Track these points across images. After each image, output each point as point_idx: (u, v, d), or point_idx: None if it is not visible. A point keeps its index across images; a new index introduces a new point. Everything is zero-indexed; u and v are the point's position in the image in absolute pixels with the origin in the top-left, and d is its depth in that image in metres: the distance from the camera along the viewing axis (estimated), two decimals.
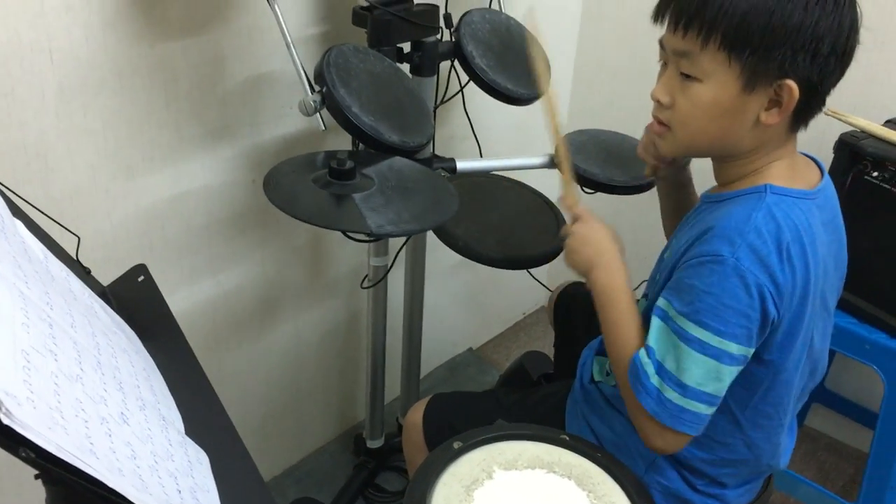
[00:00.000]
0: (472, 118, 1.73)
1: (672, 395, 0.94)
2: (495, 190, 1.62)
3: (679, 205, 1.25)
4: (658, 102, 1.01)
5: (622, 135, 1.64)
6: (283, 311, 1.70)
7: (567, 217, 1.18)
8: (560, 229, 1.44)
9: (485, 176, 1.62)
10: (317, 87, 1.22)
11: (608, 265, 1.07)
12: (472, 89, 1.54)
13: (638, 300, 1.13)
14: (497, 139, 1.91)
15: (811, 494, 1.78)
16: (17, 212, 0.82)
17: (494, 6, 1.63)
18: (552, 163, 1.56)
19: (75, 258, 0.91)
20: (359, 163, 1.18)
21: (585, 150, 1.57)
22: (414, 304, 1.76)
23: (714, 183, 1.08)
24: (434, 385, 2.17)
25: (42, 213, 0.89)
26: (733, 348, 0.92)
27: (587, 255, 1.09)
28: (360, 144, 1.28)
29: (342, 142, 1.46)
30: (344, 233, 1.20)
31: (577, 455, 0.98)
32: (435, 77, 1.52)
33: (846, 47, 0.92)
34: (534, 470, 0.95)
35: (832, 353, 1.87)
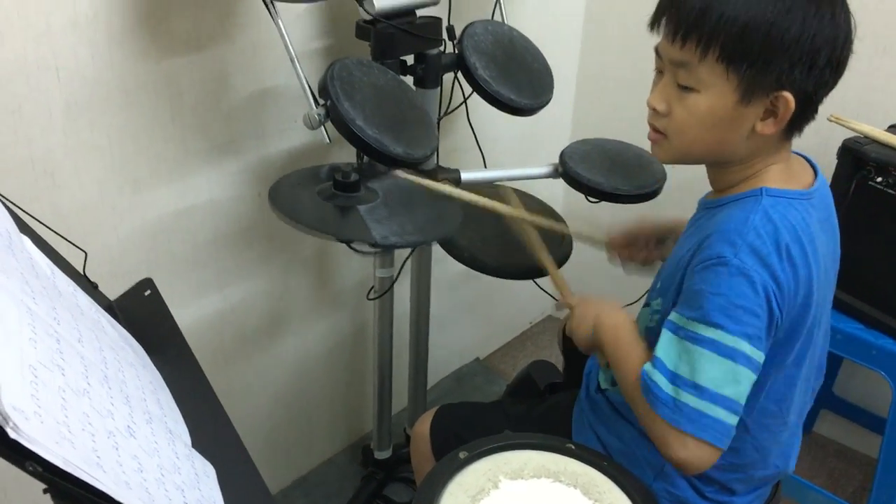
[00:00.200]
0: (476, 129, 1.74)
1: (689, 398, 0.92)
2: (499, 200, 1.62)
3: None
4: (654, 111, 1.01)
5: (626, 143, 1.65)
6: (290, 323, 1.71)
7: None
8: (564, 243, 1.45)
9: (489, 186, 1.63)
10: (321, 101, 1.23)
11: (611, 310, 1.10)
12: (476, 100, 1.54)
13: (642, 309, 1.14)
14: (501, 150, 1.92)
15: (821, 501, 1.77)
16: (24, 228, 0.82)
17: (497, 18, 1.64)
18: (556, 172, 1.56)
19: (82, 273, 0.92)
20: (363, 175, 1.19)
21: (589, 159, 1.57)
22: (420, 315, 1.77)
23: (709, 188, 1.09)
24: (441, 395, 2.18)
25: (49, 228, 0.90)
26: (747, 348, 0.92)
27: (591, 317, 1.11)
28: (365, 157, 1.29)
29: (347, 154, 1.47)
30: (349, 245, 1.21)
31: (582, 464, 0.98)
32: (438, 89, 1.53)
33: (841, 58, 0.93)
34: (539, 479, 0.95)
35: (840, 359, 1.88)
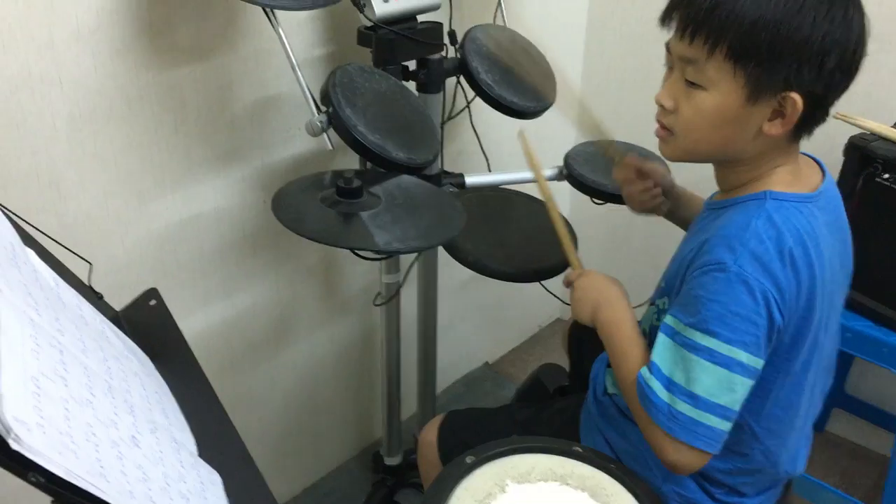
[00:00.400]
0: (480, 133, 1.74)
1: (683, 407, 0.93)
2: (505, 204, 1.62)
3: (686, 217, 1.26)
4: (661, 107, 1.01)
5: (630, 145, 1.64)
6: (298, 330, 1.71)
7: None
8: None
9: (494, 190, 1.63)
10: (323, 108, 1.23)
11: (610, 302, 1.10)
12: (479, 104, 1.55)
13: (648, 308, 1.14)
14: (505, 153, 1.91)
15: (834, 501, 1.76)
16: (28, 241, 0.83)
17: (498, 21, 1.65)
18: (561, 175, 1.56)
19: (88, 284, 0.92)
20: (366, 181, 1.19)
21: (594, 161, 1.57)
22: (428, 321, 1.77)
23: (716, 188, 1.09)
24: (451, 401, 2.17)
25: (54, 240, 0.90)
26: (743, 356, 0.91)
27: (591, 299, 1.12)
28: (368, 163, 1.29)
29: (351, 160, 1.47)
30: (353, 251, 1.21)
31: (590, 467, 0.97)
32: (441, 93, 1.53)
33: (853, 61, 0.92)
34: (547, 483, 0.94)
35: (851, 358, 1.87)
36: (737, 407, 0.93)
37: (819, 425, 2.05)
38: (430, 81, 1.48)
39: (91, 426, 0.60)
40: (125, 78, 1.22)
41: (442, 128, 1.57)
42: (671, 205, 1.32)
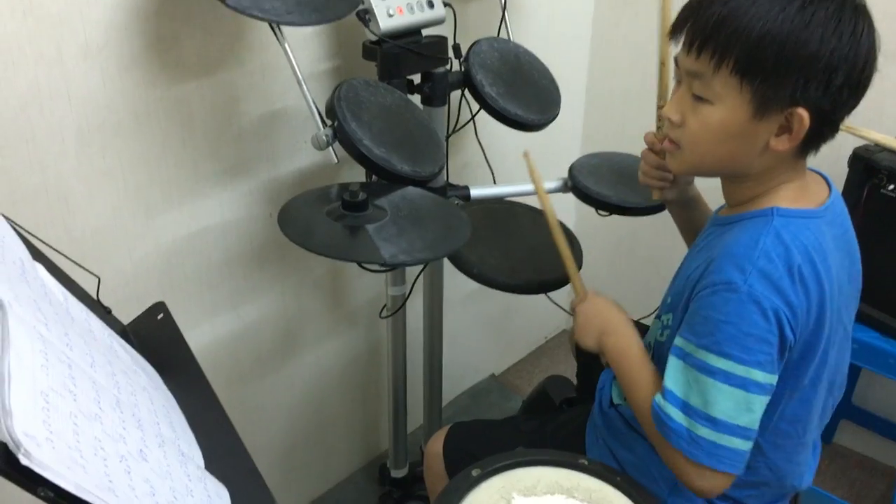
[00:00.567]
0: (485, 145, 1.75)
1: (704, 431, 0.92)
2: (510, 216, 1.63)
3: (692, 221, 1.26)
4: (669, 120, 1.01)
5: (634, 157, 1.64)
6: (304, 342, 1.72)
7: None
8: (575, 256, 1.46)
9: (499, 202, 1.64)
10: (328, 122, 1.24)
11: (616, 328, 1.10)
12: (484, 117, 1.55)
13: (653, 322, 1.14)
14: (510, 165, 1.92)
15: None
16: (37, 255, 0.84)
17: (503, 35, 1.65)
18: (566, 187, 1.57)
19: (96, 298, 0.93)
20: (371, 194, 1.20)
21: (599, 172, 1.58)
22: (434, 332, 1.77)
23: (720, 201, 1.09)
24: (457, 412, 2.17)
25: (63, 255, 0.91)
26: (759, 376, 0.91)
27: (596, 326, 1.12)
28: (374, 176, 1.30)
29: (357, 174, 1.47)
30: (359, 264, 1.22)
31: (596, 479, 0.97)
32: (446, 106, 1.54)
33: (861, 78, 0.91)
34: (553, 495, 0.94)
35: (858, 369, 1.86)
36: (756, 426, 0.93)
37: (827, 437, 2.04)
38: (435, 95, 1.49)
39: (99, 440, 0.60)
40: (133, 93, 1.23)
41: (447, 140, 1.58)
42: (677, 196, 1.26)
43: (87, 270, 0.94)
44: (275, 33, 1.20)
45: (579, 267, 1.44)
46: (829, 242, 0.97)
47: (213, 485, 0.75)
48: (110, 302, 0.96)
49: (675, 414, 0.94)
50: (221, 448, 0.82)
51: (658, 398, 0.97)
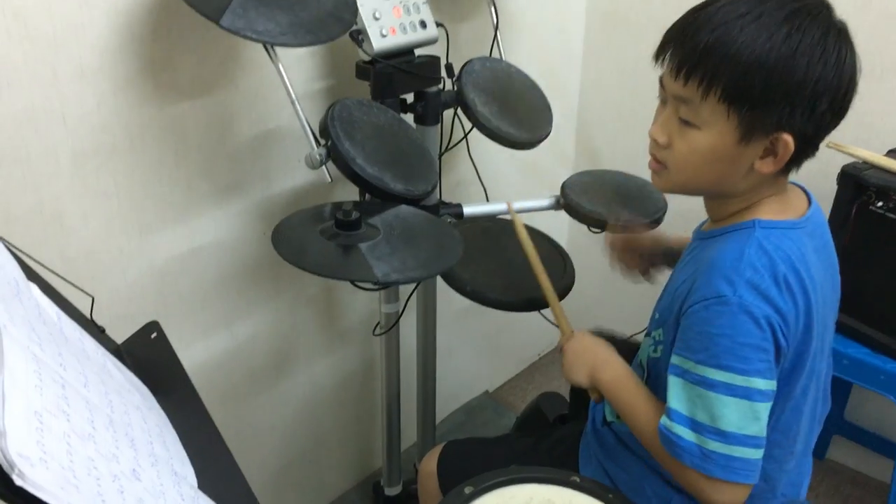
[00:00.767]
0: (478, 163, 1.76)
1: (715, 445, 0.93)
2: (502, 233, 1.64)
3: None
4: (655, 141, 1.02)
5: (627, 174, 1.66)
6: (298, 360, 1.72)
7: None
8: (566, 274, 1.47)
9: (492, 220, 1.65)
10: (322, 141, 1.25)
11: (607, 362, 1.11)
12: (477, 136, 1.56)
13: (644, 339, 1.15)
14: (503, 183, 1.94)
15: None
16: (32, 276, 0.84)
17: (495, 54, 1.67)
18: (558, 204, 1.58)
19: (90, 318, 0.93)
20: (364, 213, 1.21)
21: (591, 190, 1.59)
22: (427, 350, 1.77)
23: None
24: (451, 430, 2.17)
25: (57, 275, 0.92)
26: (760, 384, 0.92)
27: (585, 362, 1.13)
28: (367, 194, 1.31)
29: (350, 192, 1.48)
30: (352, 282, 1.22)
31: (588, 497, 0.98)
32: (439, 125, 1.55)
33: (843, 102, 0.93)
34: None
35: (849, 385, 1.87)
36: (764, 433, 0.94)
37: (820, 453, 2.04)
38: (428, 114, 1.50)
39: (93, 460, 0.61)
40: (127, 114, 1.24)
41: (440, 159, 1.59)
42: (669, 261, 1.30)
43: (81, 290, 0.95)
44: (269, 54, 1.21)
45: (570, 286, 1.46)
46: (810, 252, 0.98)
47: None
48: (104, 321, 0.96)
49: (684, 432, 0.95)
50: (215, 467, 0.82)
51: (664, 420, 0.97)
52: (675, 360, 0.97)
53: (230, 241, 1.47)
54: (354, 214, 1.16)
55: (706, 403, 0.93)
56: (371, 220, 1.21)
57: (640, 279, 1.34)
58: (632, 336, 1.34)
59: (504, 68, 1.62)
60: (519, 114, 1.55)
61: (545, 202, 1.57)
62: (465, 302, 1.46)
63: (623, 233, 1.36)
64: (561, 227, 2.18)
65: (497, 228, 1.66)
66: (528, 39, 1.94)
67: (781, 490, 1.09)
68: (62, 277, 0.93)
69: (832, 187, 1.55)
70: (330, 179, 1.27)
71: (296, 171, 1.53)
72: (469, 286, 1.42)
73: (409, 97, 1.50)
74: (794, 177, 1.03)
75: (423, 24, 1.45)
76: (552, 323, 1.72)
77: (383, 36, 1.37)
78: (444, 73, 1.53)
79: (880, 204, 1.50)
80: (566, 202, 1.56)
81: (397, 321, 1.60)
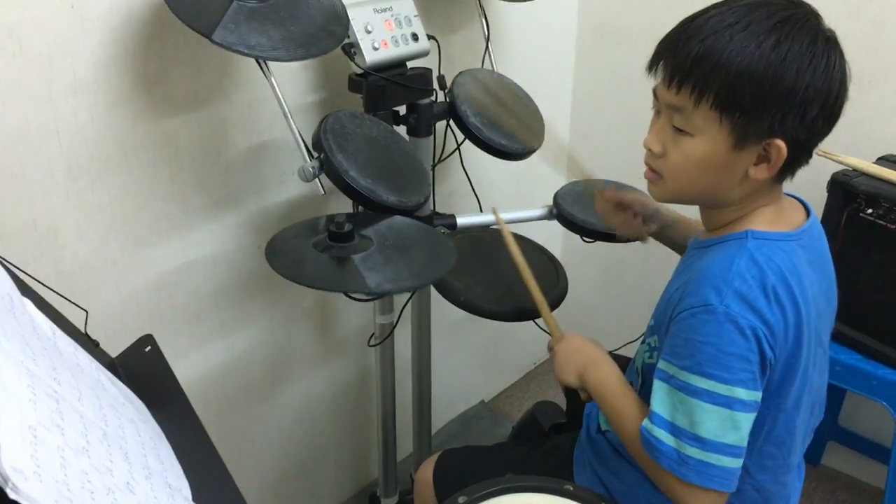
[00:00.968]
0: (471, 174, 1.77)
1: (692, 451, 0.94)
2: (496, 244, 1.64)
3: (675, 238, 1.29)
4: (650, 151, 1.03)
5: (619, 183, 1.67)
6: (293, 372, 1.72)
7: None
8: (559, 282, 1.47)
9: (485, 230, 1.65)
10: (315, 154, 1.26)
11: (596, 363, 1.12)
12: (469, 147, 1.57)
13: (639, 346, 1.15)
14: (496, 193, 1.95)
15: None
16: (26, 291, 0.85)
17: (487, 66, 1.68)
18: (550, 214, 1.59)
19: (84, 332, 0.94)
20: (358, 224, 1.21)
21: (583, 200, 1.60)
22: (422, 360, 1.78)
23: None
24: (447, 440, 2.17)
25: (51, 289, 0.93)
26: (742, 394, 0.93)
27: (575, 363, 1.14)
28: (360, 206, 1.31)
29: (344, 204, 1.49)
30: (346, 293, 1.23)
31: None
32: (432, 137, 1.56)
33: (834, 108, 0.94)
34: None
35: (843, 391, 1.88)
36: (744, 443, 0.95)
37: (814, 459, 2.05)
38: (421, 125, 1.51)
39: (87, 473, 0.61)
40: (122, 128, 1.25)
41: (433, 170, 1.60)
42: (659, 226, 1.34)
43: (74, 304, 0.95)
44: (261, 68, 1.22)
45: (563, 295, 1.46)
46: (804, 265, 0.99)
47: None
48: (99, 335, 0.96)
49: (664, 436, 0.96)
50: (209, 480, 0.82)
51: (646, 422, 0.98)
52: (661, 364, 0.98)
53: (224, 254, 1.48)
54: (347, 226, 1.17)
55: (687, 409, 0.94)
56: (364, 232, 1.22)
57: (633, 237, 1.34)
58: (628, 343, 1.35)
59: (496, 79, 1.63)
60: (511, 124, 1.56)
61: (538, 212, 1.58)
62: (459, 312, 1.47)
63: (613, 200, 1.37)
64: (555, 238, 2.18)
65: (490, 239, 1.66)
66: (519, 51, 1.96)
67: (774, 501, 1.10)
68: (56, 292, 0.93)
69: (822, 195, 1.57)
70: (323, 192, 1.28)
71: (289, 183, 1.53)
72: (462, 297, 1.42)
73: (402, 109, 1.51)
74: (786, 185, 1.04)
75: (415, 37, 1.46)
76: (545, 331, 1.73)
77: (375, 49, 1.38)
78: (436, 84, 1.54)
79: (870, 211, 1.52)
80: (559, 212, 1.57)
81: (392, 332, 1.61)
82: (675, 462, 0.95)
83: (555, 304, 1.40)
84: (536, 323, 1.57)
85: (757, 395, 0.94)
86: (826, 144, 1.01)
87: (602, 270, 2.33)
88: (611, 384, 1.09)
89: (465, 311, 1.46)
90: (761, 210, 1.01)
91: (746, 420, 0.94)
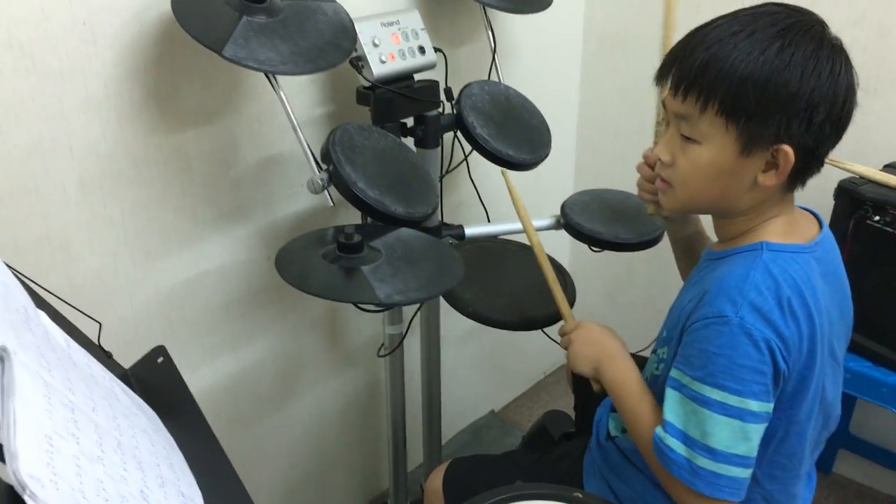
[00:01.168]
0: (478, 185, 1.78)
1: (703, 461, 0.94)
2: (503, 253, 1.65)
3: (689, 247, 1.28)
4: (660, 161, 1.04)
5: (626, 193, 1.68)
6: (303, 383, 1.73)
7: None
8: (567, 290, 1.48)
9: (493, 240, 1.66)
10: (324, 166, 1.27)
11: (613, 358, 1.13)
12: (476, 158, 1.59)
13: (650, 356, 1.16)
14: (503, 204, 1.94)
15: None
16: (40, 303, 0.86)
17: (493, 77, 1.70)
18: (558, 224, 1.60)
19: (97, 343, 0.95)
20: (367, 236, 1.23)
21: (590, 209, 1.61)
22: (431, 370, 1.78)
23: (711, 236, 1.11)
24: (457, 450, 2.18)
25: (65, 302, 0.94)
26: (753, 405, 0.93)
27: (592, 354, 1.15)
28: (368, 218, 1.33)
29: (353, 216, 1.50)
30: (356, 304, 1.24)
31: None
32: (439, 148, 1.57)
33: (842, 114, 0.95)
34: None
35: (853, 399, 1.87)
36: (754, 453, 0.95)
37: (825, 467, 2.04)
38: (428, 137, 1.52)
39: (102, 482, 0.62)
40: (133, 143, 1.27)
41: (441, 181, 1.61)
42: (680, 220, 1.27)
43: (88, 316, 0.97)
44: (270, 82, 1.23)
45: (572, 304, 1.47)
46: (817, 277, 0.99)
47: None
48: (111, 346, 0.98)
49: (676, 445, 0.96)
50: (221, 489, 0.83)
51: (659, 430, 0.99)
52: (674, 373, 0.99)
53: (234, 266, 1.49)
54: (356, 237, 1.18)
55: (699, 420, 0.95)
56: (373, 243, 1.23)
57: (650, 208, 1.30)
58: (637, 353, 1.35)
59: (502, 91, 1.65)
60: (518, 135, 1.57)
61: (545, 222, 1.59)
62: (468, 322, 1.48)
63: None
64: (562, 247, 2.19)
65: (499, 249, 1.67)
66: (525, 62, 1.97)
67: None
68: (70, 304, 0.95)
69: (830, 202, 1.57)
70: (332, 203, 1.29)
71: (298, 196, 1.55)
72: (471, 307, 1.43)
73: (409, 121, 1.52)
74: (797, 197, 1.05)
75: (422, 50, 1.47)
76: (554, 340, 1.74)
77: (383, 62, 1.40)
78: (443, 97, 1.55)
79: (877, 218, 1.52)
80: (566, 222, 1.58)
81: (401, 342, 1.62)
82: (686, 472, 0.96)
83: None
84: (545, 332, 1.58)
85: (769, 407, 0.95)
86: (833, 152, 1.01)
87: (610, 280, 2.33)
88: (628, 384, 1.09)
89: (473, 321, 1.47)
90: (773, 221, 1.02)
91: (757, 431, 0.95)
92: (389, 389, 1.69)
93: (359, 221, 1.46)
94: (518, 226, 1.56)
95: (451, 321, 1.77)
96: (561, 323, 1.28)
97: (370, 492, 2.01)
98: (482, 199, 1.79)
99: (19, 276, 0.84)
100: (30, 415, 0.59)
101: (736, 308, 0.93)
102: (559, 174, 2.27)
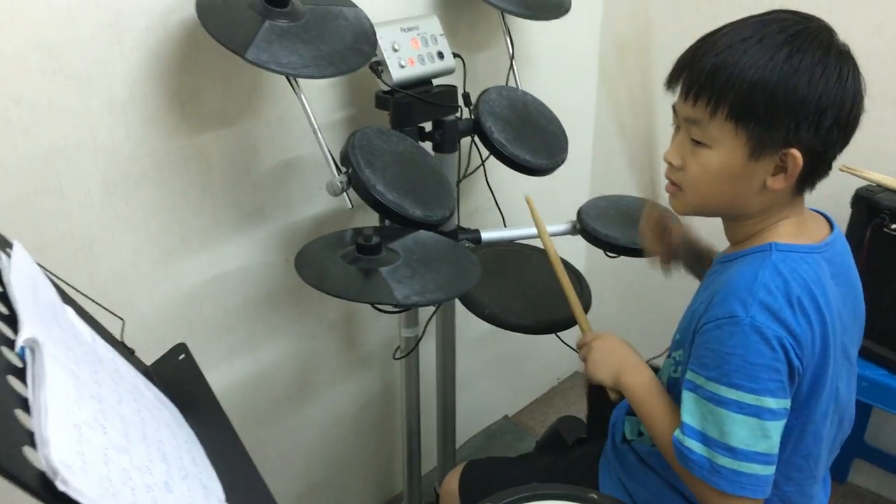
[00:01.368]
0: (495, 190, 1.79)
1: (724, 461, 0.95)
2: (519, 258, 1.66)
3: (703, 267, 1.29)
4: (670, 165, 1.06)
5: (642, 199, 1.68)
6: (319, 384, 1.74)
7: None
8: (583, 295, 1.48)
9: (509, 245, 1.67)
10: (343, 169, 1.29)
11: (632, 367, 1.14)
12: (494, 163, 1.60)
13: (665, 360, 1.16)
14: (520, 209, 1.95)
15: None
16: (67, 299, 0.88)
17: (511, 83, 1.71)
18: (574, 229, 1.60)
19: (120, 340, 0.97)
20: (385, 238, 1.24)
21: (607, 215, 1.61)
22: (446, 373, 1.79)
23: (724, 242, 1.12)
24: (471, 454, 2.18)
25: (89, 298, 0.95)
26: (771, 403, 0.94)
27: (612, 363, 1.16)
28: (386, 220, 1.34)
29: (370, 219, 1.51)
30: (373, 305, 1.25)
31: None
32: (457, 153, 1.58)
33: (849, 118, 0.95)
34: None
35: (869, 408, 1.86)
36: (775, 450, 0.96)
37: (840, 476, 2.03)
38: (446, 142, 1.53)
39: (128, 471, 0.63)
40: (155, 144, 1.29)
41: (458, 186, 1.62)
42: (691, 260, 1.31)
43: (112, 313, 0.98)
44: (291, 86, 1.25)
45: (587, 308, 1.47)
46: (827, 278, 1.00)
47: None
48: (132, 344, 0.99)
49: (695, 446, 0.97)
50: (242, 483, 0.84)
51: (677, 433, 0.99)
52: (689, 375, 0.99)
53: (254, 268, 1.51)
54: (375, 239, 1.20)
55: (717, 420, 0.95)
56: (391, 245, 1.24)
57: (657, 265, 1.33)
58: (652, 359, 1.36)
59: (520, 96, 1.66)
60: (535, 140, 1.58)
61: (562, 227, 1.60)
62: (483, 326, 1.49)
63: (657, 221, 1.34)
64: (578, 253, 2.20)
65: (515, 253, 1.68)
66: (543, 68, 1.98)
67: None
68: (95, 301, 0.96)
69: (847, 210, 1.57)
70: (351, 206, 1.30)
71: (317, 198, 1.56)
72: (487, 309, 1.44)
73: (428, 125, 1.53)
74: (810, 202, 1.05)
75: (441, 55, 1.49)
76: (569, 346, 1.74)
77: (402, 67, 1.41)
78: (461, 101, 1.56)
79: (894, 226, 1.52)
80: (582, 227, 1.59)
81: (417, 345, 1.63)
82: (708, 471, 0.96)
83: None
84: (559, 336, 1.58)
85: (786, 403, 0.95)
86: (849, 160, 1.02)
87: (625, 286, 2.33)
88: (649, 390, 1.10)
89: (488, 326, 1.47)
90: (783, 223, 1.02)
91: (776, 428, 0.95)
92: (405, 392, 1.70)
93: (376, 224, 1.47)
94: (534, 231, 1.57)
95: (466, 326, 1.78)
96: (576, 329, 1.28)
97: (384, 494, 2.02)
98: (498, 203, 1.80)
99: (46, 272, 0.86)
100: (60, 404, 0.61)
101: (746, 308, 0.94)
102: (576, 180, 2.27)
